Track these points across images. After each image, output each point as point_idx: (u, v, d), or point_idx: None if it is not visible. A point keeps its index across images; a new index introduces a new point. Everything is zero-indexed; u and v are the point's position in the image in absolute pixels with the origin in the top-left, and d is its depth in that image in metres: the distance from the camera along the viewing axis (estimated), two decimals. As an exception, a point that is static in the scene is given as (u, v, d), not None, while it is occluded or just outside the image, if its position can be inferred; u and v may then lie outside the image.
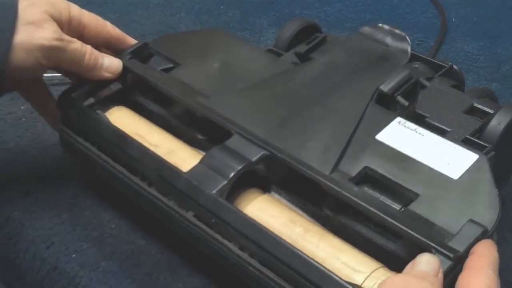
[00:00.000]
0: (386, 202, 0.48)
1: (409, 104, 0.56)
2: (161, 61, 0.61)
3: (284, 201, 0.52)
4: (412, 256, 0.44)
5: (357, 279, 0.44)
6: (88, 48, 0.56)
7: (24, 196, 0.61)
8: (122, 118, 0.58)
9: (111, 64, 0.57)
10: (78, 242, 0.57)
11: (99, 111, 0.58)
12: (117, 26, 0.90)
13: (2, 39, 0.51)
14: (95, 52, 0.56)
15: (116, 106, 0.59)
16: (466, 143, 0.54)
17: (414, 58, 0.66)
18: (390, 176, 0.48)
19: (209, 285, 0.54)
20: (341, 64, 0.60)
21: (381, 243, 0.48)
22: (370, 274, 0.44)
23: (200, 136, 0.57)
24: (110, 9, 0.94)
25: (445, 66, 0.64)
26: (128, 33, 0.88)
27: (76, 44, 0.55)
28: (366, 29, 0.64)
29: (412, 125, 0.53)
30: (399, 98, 0.56)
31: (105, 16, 0.92)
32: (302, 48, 0.65)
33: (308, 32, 0.69)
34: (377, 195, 0.48)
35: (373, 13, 0.95)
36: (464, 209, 0.46)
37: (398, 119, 0.53)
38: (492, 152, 0.54)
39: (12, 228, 0.59)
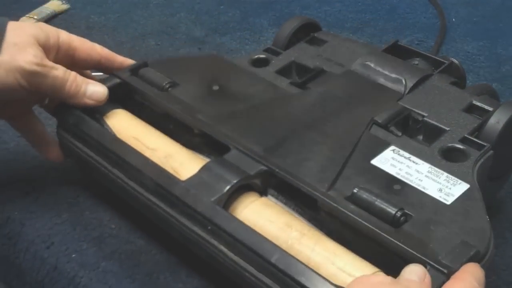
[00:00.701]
0: (381, 221, 0.48)
1: (402, 134, 0.56)
2: (159, 79, 0.61)
3: (281, 204, 0.52)
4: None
5: None
6: (72, 75, 0.56)
7: (24, 196, 0.61)
8: (120, 121, 0.58)
9: (94, 92, 0.57)
10: (78, 242, 0.57)
11: (97, 115, 0.58)
12: (117, 26, 0.91)
13: None
14: (79, 79, 0.56)
15: (114, 109, 0.59)
16: (464, 142, 0.54)
17: (414, 54, 0.66)
18: (384, 197, 0.48)
19: (208, 285, 0.54)
20: (337, 95, 0.60)
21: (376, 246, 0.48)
22: None
23: (198, 140, 0.57)
24: (110, 9, 0.94)
25: (445, 63, 0.64)
26: (128, 33, 0.89)
27: (58, 71, 0.55)
28: (361, 65, 0.64)
29: (406, 154, 0.53)
30: (393, 129, 0.56)
31: (105, 16, 0.93)
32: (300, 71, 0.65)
33: (307, 30, 0.69)
34: (371, 214, 0.48)
35: (373, 13, 0.95)
36: (456, 232, 0.46)
37: (392, 147, 0.54)
38: (491, 151, 0.54)
39: (12, 228, 0.59)
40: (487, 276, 0.45)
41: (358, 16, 0.94)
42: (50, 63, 0.55)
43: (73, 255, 0.56)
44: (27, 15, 0.90)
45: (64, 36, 0.58)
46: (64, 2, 0.94)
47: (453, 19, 0.93)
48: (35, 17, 0.90)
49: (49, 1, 0.94)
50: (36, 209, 0.60)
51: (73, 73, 0.56)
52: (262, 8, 0.95)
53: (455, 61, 0.65)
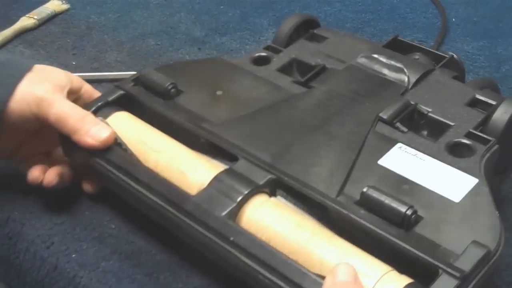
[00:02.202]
0: (391, 225, 0.48)
1: (408, 130, 0.57)
2: (162, 89, 0.61)
3: (290, 205, 0.52)
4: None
5: (367, 283, 0.44)
6: (80, 113, 0.56)
7: (24, 196, 0.61)
8: (123, 124, 0.58)
9: (97, 132, 0.56)
10: (78, 242, 0.57)
11: (100, 118, 0.58)
12: (117, 26, 0.91)
13: (8, 86, 0.57)
14: (88, 118, 0.56)
15: (117, 112, 0.59)
16: (470, 137, 0.54)
17: (414, 49, 0.66)
18: (394, 199, 0.48)
19: (208, 285, 0.54)
20: (341, 93, 0.60)
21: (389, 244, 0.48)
22: (381, 277, 0.44)
23: (203, 140, 0.57)
24: (110, 9, 0.94)
25: (446, 57, 0.64)
26: (128, 33, 0.89)
27: (66, 104, 0.57)
28: (363, 60, 0.64)
29: (413, 151, 0.54)
30: (399, 125, 0.57)
31: (105, 16, 0.93)
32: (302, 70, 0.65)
33: (306, 27, 0.69)
34: (382, 215, 0.48)
35: (373, 13, 0.95)
36: (467, 231, 0.47)
37: (399, 145, 0.54)
38: (496, 145, 0.54)
39: (12, 228, 0.59)
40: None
41: (358, 16, 0.94)
42: (61, 97, 0.57)
43: (73, 255, 0.56)
44: (27, 15, 0.90)
45: (87, 87, 0.62)
46: (64, 2, 0.94)
47: (453, 19, 0.93)
48: (35, 17, 0.90)
49: (49, 1, 0.94)
50: (36, 209, 0.60)
51: (85, 112, 0.57)
52: (262, 8, 0.95)
53: (455, 55, 0.65)
